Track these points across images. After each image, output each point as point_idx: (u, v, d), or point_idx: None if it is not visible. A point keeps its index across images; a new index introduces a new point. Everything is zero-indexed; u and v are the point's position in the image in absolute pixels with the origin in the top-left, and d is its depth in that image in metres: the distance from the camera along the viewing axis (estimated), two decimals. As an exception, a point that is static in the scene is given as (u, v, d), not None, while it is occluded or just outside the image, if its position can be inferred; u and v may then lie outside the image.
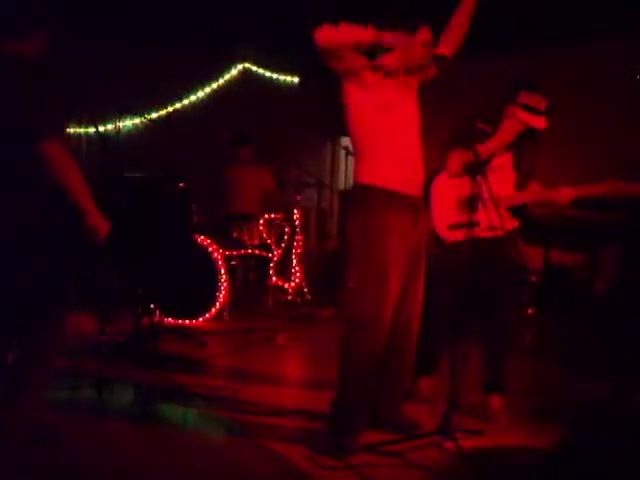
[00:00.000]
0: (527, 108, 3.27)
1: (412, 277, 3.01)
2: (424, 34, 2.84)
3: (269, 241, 5.71)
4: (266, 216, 5.74)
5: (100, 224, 2.59)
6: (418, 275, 3.06)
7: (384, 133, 2.91)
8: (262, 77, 7.97)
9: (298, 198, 6.06)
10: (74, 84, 2.80)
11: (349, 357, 2.93)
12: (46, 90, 2.55)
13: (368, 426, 3.02)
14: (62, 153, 2.50)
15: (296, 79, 8.17)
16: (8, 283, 2.54)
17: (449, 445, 2.89)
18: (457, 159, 3.34)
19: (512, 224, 3.42)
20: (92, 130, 6.11)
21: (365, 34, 2.81)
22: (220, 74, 7.67)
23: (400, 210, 2.91)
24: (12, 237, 2.51)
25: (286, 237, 5.92)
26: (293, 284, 5.91)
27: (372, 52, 2.93)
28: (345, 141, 6.99)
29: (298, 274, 5.93)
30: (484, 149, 3.21)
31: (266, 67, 7.95)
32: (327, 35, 2.79)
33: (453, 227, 3.44)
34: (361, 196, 2.96)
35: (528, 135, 3.32)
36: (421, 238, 3.04)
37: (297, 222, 5.95)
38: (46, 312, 2.63)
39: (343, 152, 6.90)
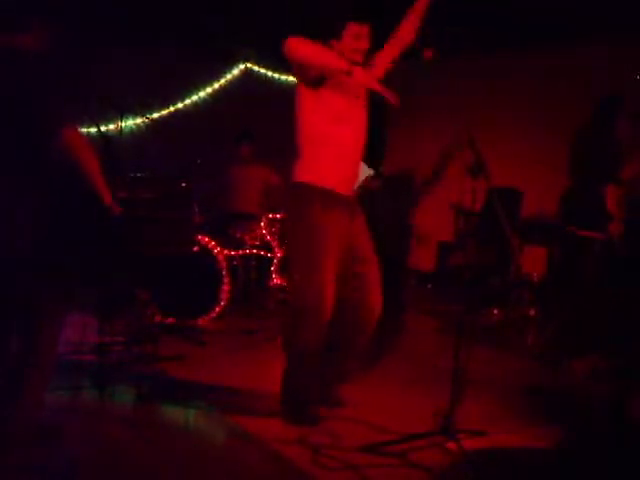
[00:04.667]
0: None
1: (356, 266, 3.19)
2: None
3: (271, 241, 5.70)
4: (268, 216, 5.73)
5: (113, 205, 2.91)
6: (365, 264, 3.21)
7: (331, 142, 3.11)
8: (263, 77, 7.96)
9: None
10: (76, 83, 2.84)
11: (293, 341, 3.16)
12: (59, 78, 2.60)
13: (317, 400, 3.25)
14: (81, 138, 2.67)
15: (297, 79, 8.16)
16: (19, 267, 2.57)
17: (451, 445, 2.88)
18: None
19: None
20: (94, 130, 6.11)
21: (338, 63, 2.95)
22: (221, 74, 7.67)
23: (334, 206, 3.12)
24: (29, 221, 2.53)
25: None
26: (294, 284, 5.90)
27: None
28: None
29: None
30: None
31: (267, 67, 7.95)
32: (299, 49, 2.97)
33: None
34: (298, 193, 3.17)
35: None
36: (359, 231, 3.24)
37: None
38: (50, 300, 2.65)
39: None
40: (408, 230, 7.83)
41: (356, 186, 3.28)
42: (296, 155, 3.22)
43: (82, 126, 5.99)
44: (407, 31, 3.27)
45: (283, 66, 7.99)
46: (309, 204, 3.11)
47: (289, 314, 3.25)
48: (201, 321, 5.08)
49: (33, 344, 2.63)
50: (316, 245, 3.08)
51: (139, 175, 5.33)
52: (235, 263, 5.47)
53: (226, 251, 5.32)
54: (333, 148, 3.11)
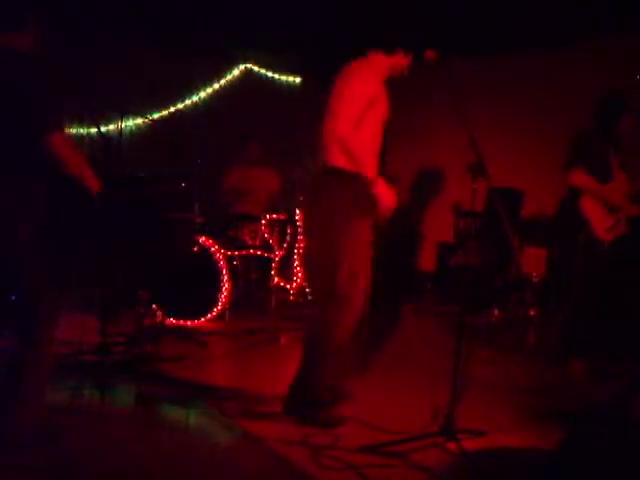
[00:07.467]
0: None
1: None
2: None
3: (271, 241, 5.71)
4: (268, 216, 5.74)
5: (95, 183, 2.81)
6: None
7: (370, 125, 3.15)
8: (264, 77, 7.97)
9: (300, 198, 6.05)
10: (76, 84, 2.82)
11: (330, 338, 3.11)
12: (49, 82, 2.59)
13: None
14: (67, 144, 2.65)
15: (298, 79, 8.17)
16: (16, 268, 2.58)
17: (451, 446, 2.88)
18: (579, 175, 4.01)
19: None
20: (94, 130, 6.12)
21: None
22: (222, 75, 7.68)
23: (370, 193, 3.12)
24: (26, 221, 2.54)
25: (288, 237, 5.91)
26: (295, 284, 5.90)
27: None
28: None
29: (300, 274, 5.92)
30: None
31: (268, 67, 7.95)
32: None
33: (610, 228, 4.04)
34: (341, 179, 3.10)
35: None
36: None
37: (299, 222, 5.95)
38: (46, 297, 2.65)
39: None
40: (412, 231, 7.81)
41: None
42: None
43: (80, 126, 6.03)
44: None
45: (282, 67, 8.00)
46: (352, 190, 3.12)
47: (329, 310, 3.14)
48: (202, 321, 5.09)
49: (30, 341, 2.64)
50: (362, 235, 3.16)
51: (139, 176, 5.34)
52: (235, 263, 5.48)
53: (227, 251, 5.32)
54: (370, 134, 3.19)
